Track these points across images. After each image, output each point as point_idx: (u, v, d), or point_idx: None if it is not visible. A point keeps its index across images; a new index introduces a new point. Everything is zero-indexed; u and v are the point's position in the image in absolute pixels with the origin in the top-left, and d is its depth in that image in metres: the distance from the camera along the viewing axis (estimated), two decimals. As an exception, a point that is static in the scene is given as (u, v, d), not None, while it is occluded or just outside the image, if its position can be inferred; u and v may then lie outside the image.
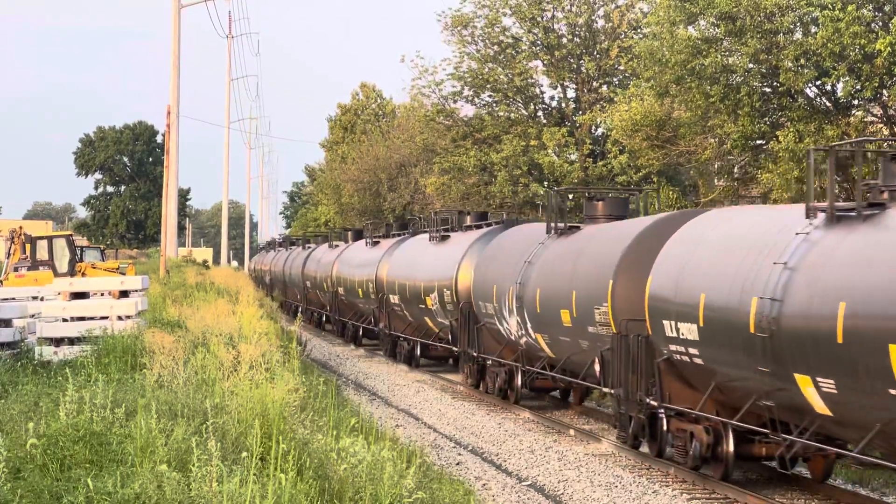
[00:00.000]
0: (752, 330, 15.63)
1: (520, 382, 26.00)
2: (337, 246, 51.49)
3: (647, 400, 19.06)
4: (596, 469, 18.97)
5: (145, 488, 9.87)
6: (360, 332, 44.60)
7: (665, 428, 18.83)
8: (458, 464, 19.50)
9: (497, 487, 17.68)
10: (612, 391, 20.41)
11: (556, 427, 23.40)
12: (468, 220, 33.75)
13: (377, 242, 43.46)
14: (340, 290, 46.25)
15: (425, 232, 36.85)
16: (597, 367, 21.21)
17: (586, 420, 24.85)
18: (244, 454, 11.12)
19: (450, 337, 31.45)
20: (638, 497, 16.97)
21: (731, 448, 17.15)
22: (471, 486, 16.74)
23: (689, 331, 17.49)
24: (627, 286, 20.08)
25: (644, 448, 20.01)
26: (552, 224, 24.99)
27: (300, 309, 55.34)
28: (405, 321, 36.27)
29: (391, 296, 37.19)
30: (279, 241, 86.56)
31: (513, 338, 26.10)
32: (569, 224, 24.75)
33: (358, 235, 50.46)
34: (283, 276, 65.06)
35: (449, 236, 33.46)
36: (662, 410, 18.76)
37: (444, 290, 31.04)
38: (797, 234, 15.32)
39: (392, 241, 41.15)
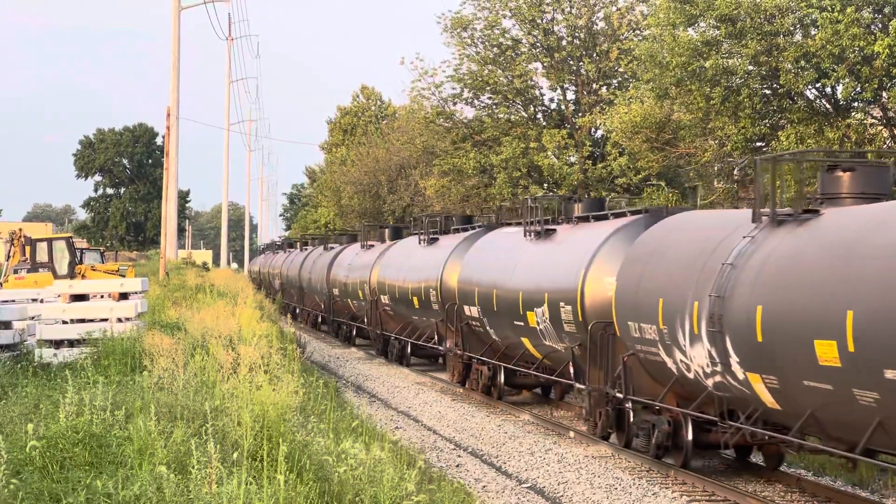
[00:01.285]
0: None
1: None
2: (371, 246, 43.80)
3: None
4: (596, 471, 18.96)
5: (145, 490, 9.86)
6: (409, 350, 36.58)
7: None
8: (457, 466, 19.49)
9: (497, 489, 17.67)
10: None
11: (556, 429, 23.39)
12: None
13: (435, 240, 34.56)
14: (384, 298, 37.97)
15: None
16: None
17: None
18: (241, 456, 11.12)
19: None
20: (638, 499, 16.96)
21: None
22: (470, 489, 16.73)
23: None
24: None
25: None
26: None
27: (320, 319, 52.86)
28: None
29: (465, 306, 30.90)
30: (278, 242, 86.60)
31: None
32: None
33: (396, 234, 43.70)
34: (300, 280, 58.35)
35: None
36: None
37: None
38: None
39: (458, 237, 32.73)
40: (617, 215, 23.00)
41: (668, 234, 19.42)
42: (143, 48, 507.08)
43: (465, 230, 33.07)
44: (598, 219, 23.69)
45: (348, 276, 43.91)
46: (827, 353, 13.99)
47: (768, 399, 15.83)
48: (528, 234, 25.86)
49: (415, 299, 33.42)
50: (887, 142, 29.31)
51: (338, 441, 13.24)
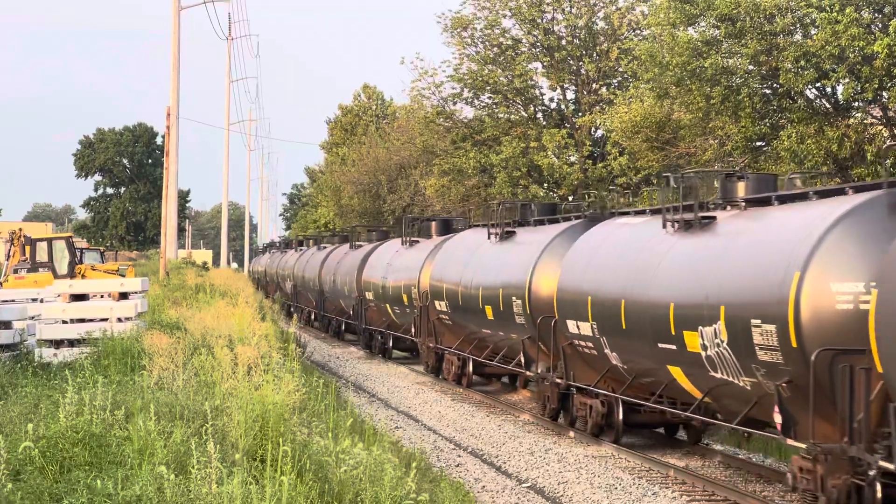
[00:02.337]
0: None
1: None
2: (416, 242, 37.15)
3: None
4: (596, 471, 18.97)
5: (145, 490, 9.86)
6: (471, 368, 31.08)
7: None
8: (457, 465, 19.49)
9: (497, 489, 17.67)
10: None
11: (556, 429, 23.40)
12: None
13: (511, 234, 28.07)
14: (440, 304, 31.29)
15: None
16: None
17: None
18: (240, 456, 11.12)
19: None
20: (638, 499, 16.97)
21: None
22: (470, 488, 16.73)
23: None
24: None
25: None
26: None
27: (344, 327, 47.99)
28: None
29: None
30: (278, 242, 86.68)
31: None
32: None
33: (445, 227, 37.51)
34: (320, 283, 51.39)
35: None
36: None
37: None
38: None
39: (547, 230, 28.04)
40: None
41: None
42: (143, 48, 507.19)
43: (555, 221, 26.32)
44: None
45: (386, 279, 37.96)
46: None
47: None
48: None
49: (487, 309, 26.81)
50: (887, 141, 29.30)
51: (338, 441, 13.23)
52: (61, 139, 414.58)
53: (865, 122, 29.72)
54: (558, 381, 22.62)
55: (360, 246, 38.32)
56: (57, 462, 11.01)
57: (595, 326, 20.65)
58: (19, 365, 19.76)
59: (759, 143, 31.30)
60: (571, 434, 22.67)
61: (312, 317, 55.23)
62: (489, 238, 28.33)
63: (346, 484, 11.24)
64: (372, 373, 34.86)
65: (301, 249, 59.12)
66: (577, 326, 21.45)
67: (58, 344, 22.03)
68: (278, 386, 14.14)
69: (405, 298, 35.44)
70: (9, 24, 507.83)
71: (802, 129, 28.76)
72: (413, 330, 32.96)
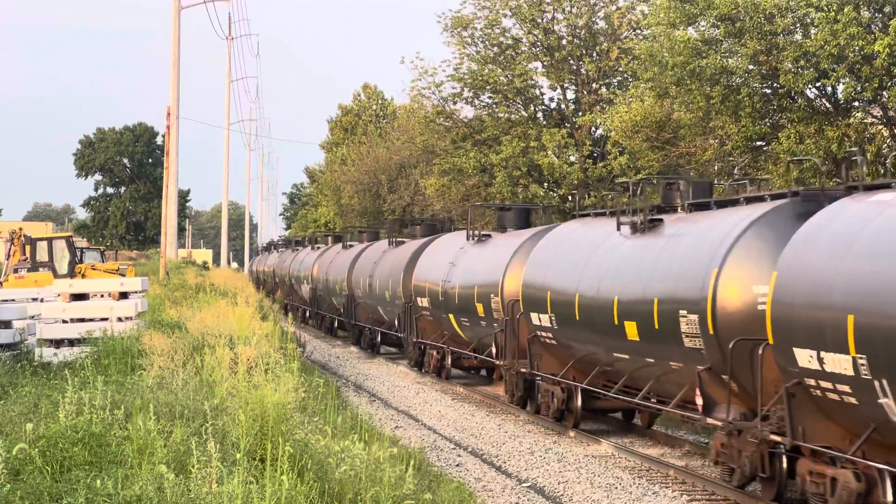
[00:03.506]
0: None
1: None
2: (486, 237, 30.89)
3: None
4: (596, 470, 18.97)
5: (145, 489, 9.86)
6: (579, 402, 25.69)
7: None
8: (457, 465, 19.50)
9: (497, 489, 17.68)
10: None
11: (556, 429, 23.41)
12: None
13: (657, 223, 21.56)
14: (539, 318, 24.20)
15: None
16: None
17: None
18: (241, 455, 11.11)
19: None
20: (638, 498, 16.97)
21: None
22: (471, 488, 16.73)
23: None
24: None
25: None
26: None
27: (379, 339, 40.88)
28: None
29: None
30: (278, 241, 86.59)
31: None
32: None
33: (523, 218, 31.24)
34: (349, 287, 44.42)
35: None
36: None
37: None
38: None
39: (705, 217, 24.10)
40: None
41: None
42: (143, 48, 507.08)
43: (710, 206, 20.40)
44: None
45: (449, 283, 30.83)
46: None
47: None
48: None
49: (630, 326, 19.64)
50: (887, 141, 29.30)
51: (338, 440, 13.24)
52: (61, 139, 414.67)
53: (865, 121, 29.71)
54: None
55: (402, 242, 35.91)
56: (57, 461, 11.01)
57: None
58: (19, 364, 19.77)
59: (759, 143, 31.29)
60: (571, 434, 22.69)
61: (336, 324, 49.96)
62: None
63: (346, 483, 11.24)
64: (371, 372, 34.86)
65: (319, 247, 56.05)
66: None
67: (58, 343, 22.04)
68: (278, 385, 14.14)
69: (633, 329, 22.99)
70: (9, 24, 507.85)
71: (802, 129, 28.75)
72: (494, 350, 27.24)
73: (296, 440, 12.16)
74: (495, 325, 27.04)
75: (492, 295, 27.28)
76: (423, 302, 33.45)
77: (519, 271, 25.63)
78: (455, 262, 30.85)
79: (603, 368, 21.63)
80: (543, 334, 23.79)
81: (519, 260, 26.32)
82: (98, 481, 10.06)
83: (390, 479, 11.34)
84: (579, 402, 22.41)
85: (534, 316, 24.05)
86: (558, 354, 23.54)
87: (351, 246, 46.26)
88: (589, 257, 21.73)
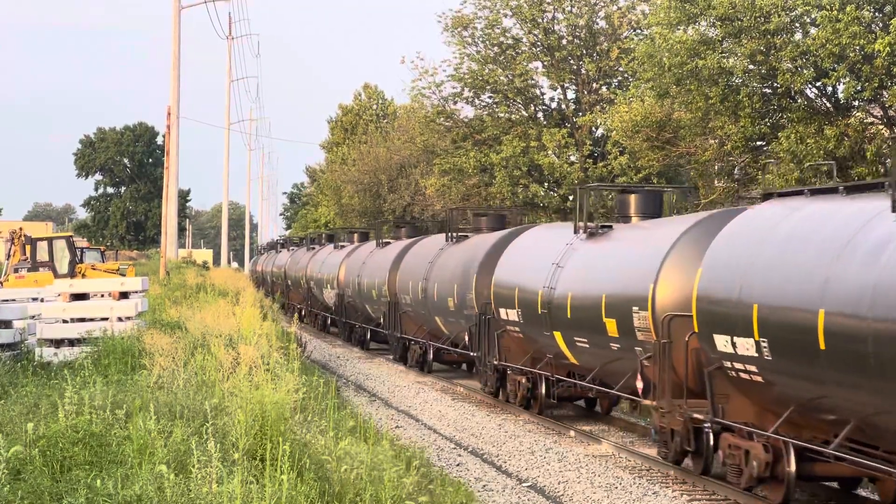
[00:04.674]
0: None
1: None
2: (607, 228, 23.31)
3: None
4: (596, 470, 18.97)
5: (145, 489, 9.86)
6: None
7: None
8: (458, 465, 19.50)
9: (497, 488, 17.68)
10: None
11: (557, 428, 23.42)
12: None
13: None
14: (732, 345, 17.66)
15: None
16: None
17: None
18: (240, 455, 11.11)
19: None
20: (638, 498, 16.97)
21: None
22: (471, 488, 16.73)
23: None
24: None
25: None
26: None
27: (429, 355, 33.92)
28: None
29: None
30: (279, 241, 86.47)
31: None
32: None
33: (650, 203, 23.61)
34: (393, 292, 37.15)
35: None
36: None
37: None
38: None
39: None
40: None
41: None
42: (143, 47, 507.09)
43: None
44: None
45: (554, 289, 23.24)
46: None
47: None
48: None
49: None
50: (887, 141, 29.30)
51: (338, 440, 13.24)
52: (61, 139, 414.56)
53: (865, 121, 29.71)
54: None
55: (464, 238, 31.97)
56: (57, 461, 11.01)
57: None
58: (20, 364, 19.77)
59: (758, 143, 31.30)
60: (572, 434, 22.70)
61: (368, 336, 42.61)
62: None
63: (346, 483, 11.24)
64: (372, 372, 34.86)
65: (342, 245, 50.38)
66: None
67: (58, 343, 22.04)
68: (278, 385, 14.14)
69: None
70: (9, 24, 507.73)
71: (802, 128, 28.75)
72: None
73: (296, 440, 12.16)
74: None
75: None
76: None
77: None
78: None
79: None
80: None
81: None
82: (98, 481, 10.06)
83: (391, 479, 11.34)
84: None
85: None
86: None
87: (387, 243, 41.92)
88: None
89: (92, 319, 22.43)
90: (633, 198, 23.10)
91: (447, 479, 15.25)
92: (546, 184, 45.88)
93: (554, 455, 20.38)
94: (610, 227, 23.16)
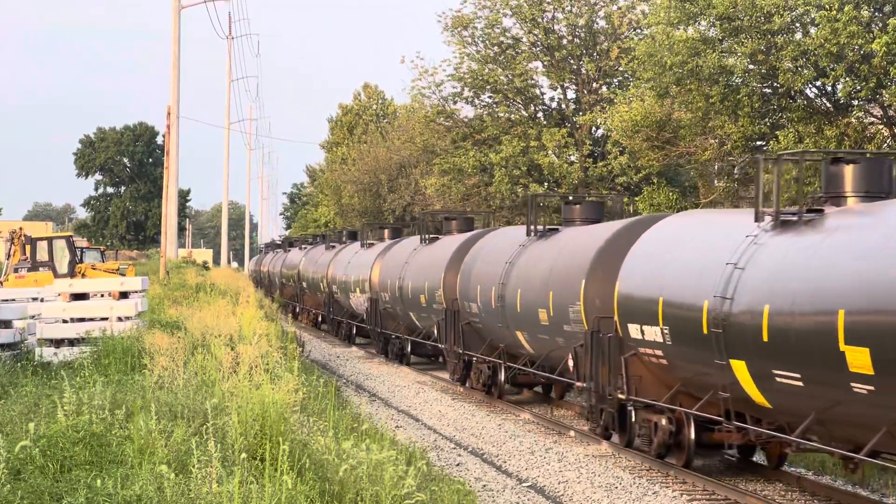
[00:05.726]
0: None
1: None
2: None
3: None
4: (596, 470, 18.97)
5: (145, 489, 9.86)
6: None
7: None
8: (458, 465, 19.50)
9: (497, 488, 17.68)
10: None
11: (557, 428, 23.43)
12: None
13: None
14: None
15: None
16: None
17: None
18: (243, 455, 11.11)
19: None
20: (638, 498, 16.97)
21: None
22: (471, 488, 16.73)
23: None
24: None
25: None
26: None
27: (500, 375, 27.25)
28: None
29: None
30: (278, 241, 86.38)
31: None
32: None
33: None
34: (454, 300, 30.05)
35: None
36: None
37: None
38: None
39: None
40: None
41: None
42: (143, 47, 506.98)
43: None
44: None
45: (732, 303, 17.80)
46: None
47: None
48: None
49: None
50: (887, 140, 29.30)
51: (338, 440, 13.23)
52: (61, 139, 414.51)
53: (865, 121, 29.71)
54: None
55: (553, 231, 25.59)
56: (57, 461, 11.01)
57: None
58: (20, 364, 19.77)
59: (758, 143, 31.30)
60: (572, 433, 22.71)
61: (409, 349, 36.66)
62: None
63: (346, 483, 11.23)
64: (372, 371, 34.85)
65: (370, 243, 44.60)
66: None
67: (58, 343, 22.04)
68: (277, 385, 14.14)
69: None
70: (9, 23, 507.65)
71: (801, 128, 28.77)
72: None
73: (295, 440, 12.16)
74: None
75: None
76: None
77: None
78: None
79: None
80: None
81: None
82: (98, 481, 10.06)
83: (391, 479, 11.34)
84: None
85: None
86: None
87: (434, 239, 35.16)
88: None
89: (92, 319, 22.42)
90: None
91: (447, 479, 15.25)
92: (546, 184, 45.88)
93: (554, 455, 20.38)
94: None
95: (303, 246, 61.88)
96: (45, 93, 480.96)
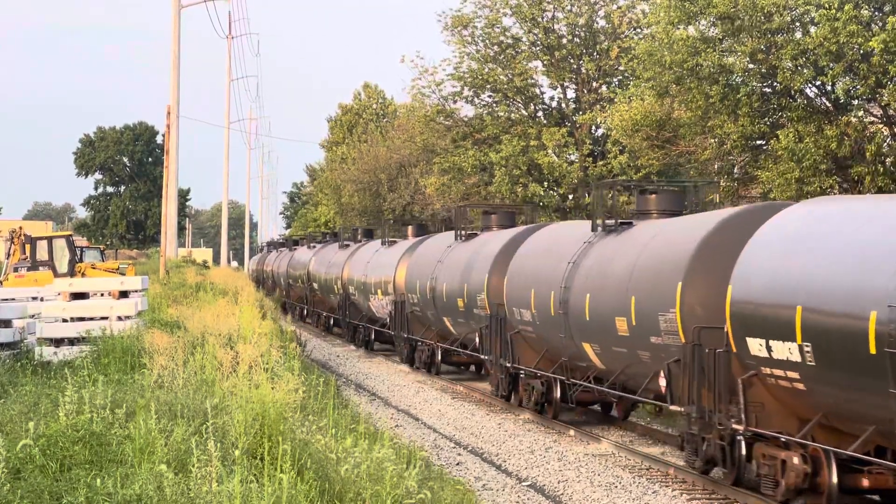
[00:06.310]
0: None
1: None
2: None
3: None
4: (596, 469, 18.97)
5: (145, 489, 9.86)
6: None
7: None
8: (458, 464, 19.51)
9: (497, 487, 17.68)
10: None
11: (556, 427, 23.42)
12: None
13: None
14: None
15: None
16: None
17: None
18: (240, 455, 11.11)
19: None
20: (638, 497, 16.97)
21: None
22: (471, 487, 16.73)
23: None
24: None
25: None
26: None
27: (546, 386, 24.58)
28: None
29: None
30: (279, 240, 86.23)
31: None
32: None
33: None
34: (523, 305, 25.82)
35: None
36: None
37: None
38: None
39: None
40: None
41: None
42: (143, 47, 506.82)
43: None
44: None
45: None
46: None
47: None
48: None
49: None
50: (888, 140, 29.29)
51: (338, 439, 13.23)
52: (61, 138, 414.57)
53: (865, 120, 29.69)
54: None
55: (628, 225, 22.08)
56: (57, 460, 11.01)
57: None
58: (19, 363, 19.76)
59: (758, 142, 31.29)
60: (571, 433, 22.70)
61: (439, 357, 33.78)
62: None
63: (346, 482, 11.23)
64: (372, 371, 34.86)
65: (392, 241, 41.57)
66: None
67: (58, 342, 22.05)
68: (278, 384, 14.14)
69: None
70: (9, 23, 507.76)
71: (801, 127, 28.75)
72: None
73: (296, 439, 12.15)
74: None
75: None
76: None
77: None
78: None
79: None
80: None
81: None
82: (98, 480, 10.06)
83: (392, 479, 11.34)
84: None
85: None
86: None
87: (472, 235, 32.21)
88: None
89: (92, 318, 22.44)
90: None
91: (447, 479, 15.25)
92: (545, 183, 45.88)
93: (553, 454, 20.38)
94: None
95: (311, 244, 58.82)
96: (45, 93, 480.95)
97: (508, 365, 25.89)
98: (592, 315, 21.08)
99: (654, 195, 22.12)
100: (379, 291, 39.43)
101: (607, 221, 22.48)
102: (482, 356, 28.11)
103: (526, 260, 25.74)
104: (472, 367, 34.48)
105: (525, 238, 27.01)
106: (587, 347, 21.78)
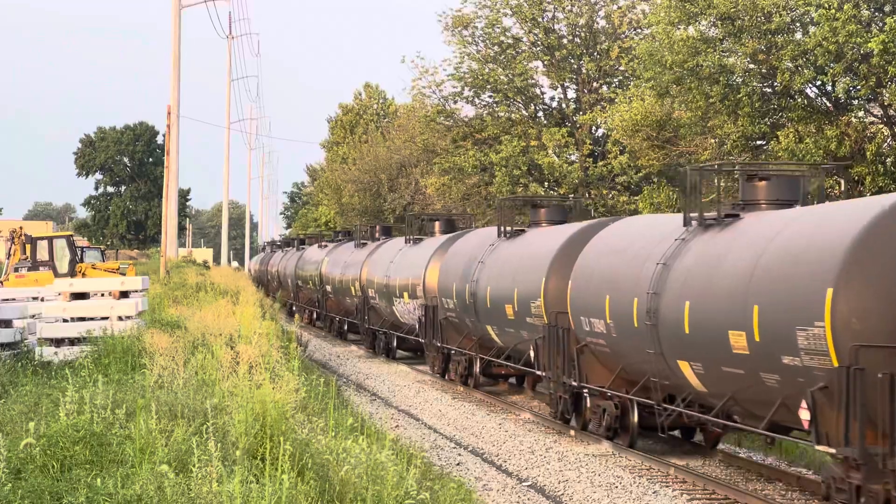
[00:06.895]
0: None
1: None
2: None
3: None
4: (596, 469, 18.97)
5: (146, 489, 9.87)
6: None
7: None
8: (458, 464, 19.51)
9: (498, 488, 17.68)
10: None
11: (557, 427, 23.42)
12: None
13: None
14: None
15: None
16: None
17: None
18: (241, 455, 11.11)
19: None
20: (638, 497, 16.97)
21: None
22: (471, 487, 16.74)
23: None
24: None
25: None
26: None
27: (618, 411, 22.39)
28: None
29: None
30: (278, 241, 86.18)
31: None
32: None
33: None
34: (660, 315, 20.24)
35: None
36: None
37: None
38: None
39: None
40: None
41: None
42: (143, 47, 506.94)
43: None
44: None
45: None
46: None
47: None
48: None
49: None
50: (888, 140, 29.30)
51: (339, 439, 13.23)
52: (62, 138, 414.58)
53: (865, 120, 29.70)
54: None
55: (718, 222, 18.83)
56: (57, 460, 11.02)
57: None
58: (20, 363, 19.77)
59: (758, 143, 31.29)
60: (572, 433, 22.70)
61: (477, 369, 30.33)
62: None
63: (347, 483, 11.23)
64: (372, 371, 34.85)
65: (418, 238, 38.34)
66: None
67: (58, 342, 22.05)
68: (279, 384, 14.14)
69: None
70: (9, 23, 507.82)
71: (801, 128, 28.75)
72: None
73: (296, 439, 12.15)
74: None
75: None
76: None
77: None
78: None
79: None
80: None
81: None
82: (99, 480, 10.07)
83: (392, 479, 11.34)
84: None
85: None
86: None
87: (519, 232, 28.65)
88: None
89: (92, 319, 22.44)
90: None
91: (448, 479, 15.25)
92: (546, 183, 45.88)
93: (554, 454, 20.38)
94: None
95: (322, 244, 54.75)
96: (45, 92, 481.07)
97: (574, 384, 22.15)
98: (694, 327, 17.48)
99: (763, 181, 18.33)
100: (405, 295, 35.87)
101: (706, 214, 18.53)
102: (537, 371, 24.32)
103: (596, 261, 21.89)
104: (512, 379, 30.73)
105: (591, 235, 23.21)
106: (684, 366, 18.10)
